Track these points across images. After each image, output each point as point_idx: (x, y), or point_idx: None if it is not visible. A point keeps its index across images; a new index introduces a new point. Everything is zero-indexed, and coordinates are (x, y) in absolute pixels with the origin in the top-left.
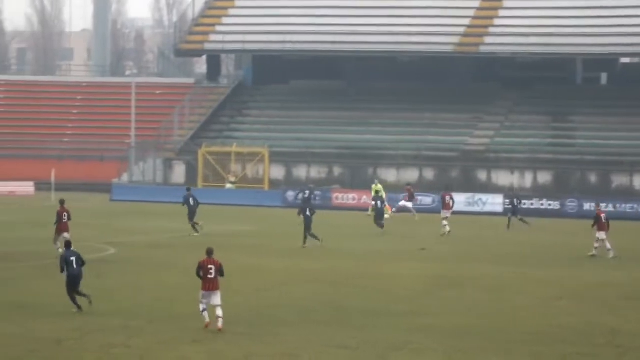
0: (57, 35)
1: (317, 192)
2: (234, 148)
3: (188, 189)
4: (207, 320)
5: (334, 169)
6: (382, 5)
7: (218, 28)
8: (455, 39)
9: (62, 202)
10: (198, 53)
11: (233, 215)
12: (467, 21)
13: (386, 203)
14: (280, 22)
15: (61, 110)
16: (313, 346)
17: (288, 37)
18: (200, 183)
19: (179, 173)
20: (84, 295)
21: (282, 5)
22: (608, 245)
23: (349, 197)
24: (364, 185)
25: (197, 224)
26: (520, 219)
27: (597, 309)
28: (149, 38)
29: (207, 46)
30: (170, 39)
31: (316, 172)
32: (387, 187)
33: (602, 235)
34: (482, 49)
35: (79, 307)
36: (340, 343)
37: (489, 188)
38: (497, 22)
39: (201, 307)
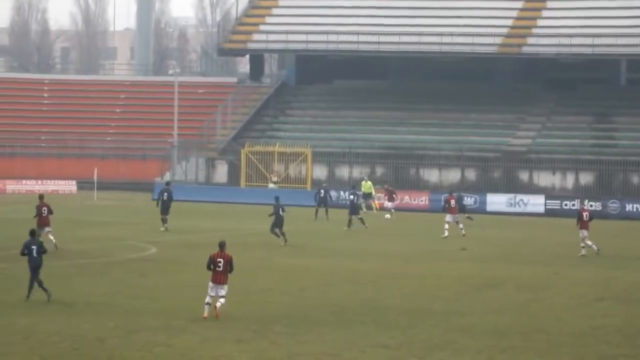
0: (101, 34)
1: (332, 192)
2: (277, 148)
3: (167, 183)
4: (205, 315)
5: (377, 169)
6: (425, 5)
7: (261, 27)
8: (499, 40)
9: (41, 197)
10: (241, 52)
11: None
12: (510, 22)
13: (375, 201)
14: (324, 22)
15: (104, 109)
16: (354, 346)
17: (331, 37)
18: (243, 183)
19: (221, 172)
20: (45, 290)
21: (326, 5)
22: (589, 243)
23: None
24: (406, 185)
25: (165, 219)
26: (467, 217)
27: (639, 310)
28: (192, 37)
29: (250, 45)
30: (214, 38)
31: (358, 172)
32: (430, 187)
33: (584, 233)
34: (525, 49)
35: (48, 295)
36: (380, 343)
37: (531, 189)
38: (540, 22)
39: (207, 299)
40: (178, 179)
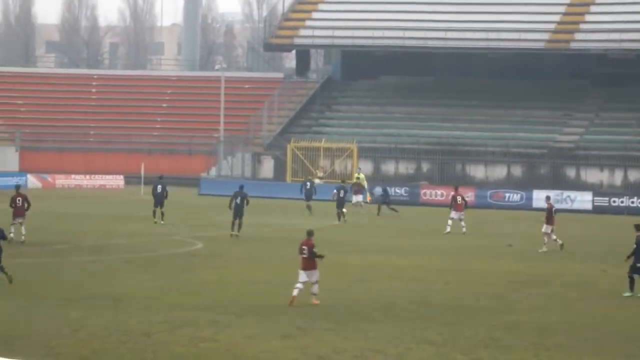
0: (149, 30)
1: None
2: (323, 143)
3: (160, 177)
4: (294, 295)
5: (422, 165)
6: (472, 1)
7: (308, 23)
8: (546, 35)
9: (17, 187)
10: (287, 48)
11: (320, 210)
12: (558, 17)
13: (368, 194)
14: (370, 18)
15: (151, 104)
16: (399, 342)
17: (377, 33)
18: (288, 178)
19: (267, 168)
20: (6, 273)
21: (372, 1)
22: (554, 237)
23: (437, 194)
24: (452, 181)
25: (157, 211)
26: (391, 208)
27: None
28: (239, 32)
29: (297, 41)
30: (260, 34)
31: (404, 167)
32: (476, 183)
33: (548, 228)
34: (573, 45)
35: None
36: (426, 339)
37: (578, 185)
38: (588, 18)
39: (297, 284)
40: (224, 174)
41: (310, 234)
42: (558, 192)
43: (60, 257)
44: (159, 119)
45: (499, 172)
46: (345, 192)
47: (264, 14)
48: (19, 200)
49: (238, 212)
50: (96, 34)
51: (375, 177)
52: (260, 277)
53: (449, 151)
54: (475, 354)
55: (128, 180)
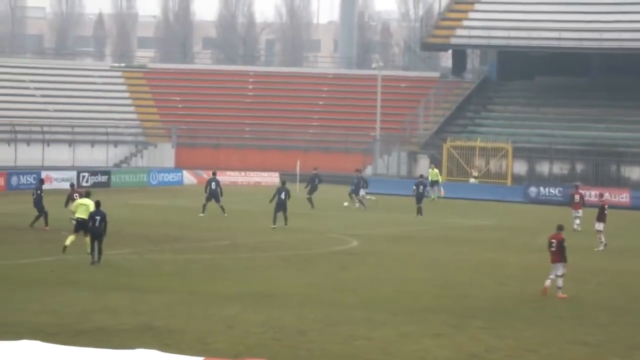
0: (305, 27)
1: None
2: (478, 143)
3: (214, 173)
4: (545, 285)
5: (577, 166)
6: (628, 1)
7: (464, 23)
8: None
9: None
10: (444, 47)
11: (475, 209)
12: None
13: (442, 188)
14: (526, 18)
15: (307, 101)
16: (553, 342)
17: (533, 33)
18: (444, 177)
19: (423, 166)
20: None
21: (528, 1)
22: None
23: (592, 194)
24: (607, 182)
25: (221, 207)
26: (369, 198)
27: None
28: (395, 31)
29: (453, 40)
30: (416, 33)
31: (558, 168)
32: (631, 184)
33: (600, 226)
34: None
35: None
36: (580, 339)
37: None
38: None
39: (550, 276)
40: (380, 173)
41: (560, 228)
42: None
43: (219, 254)
44: (315, 117)
45: None
46: (425, 187)
47: (420, 12)
48: None
49: (281, 207)
50: (253, 31)
51: (530, 177)
52: (415, 276)
53: (604, 152)
54: (631, 356)
55: (283, 178)
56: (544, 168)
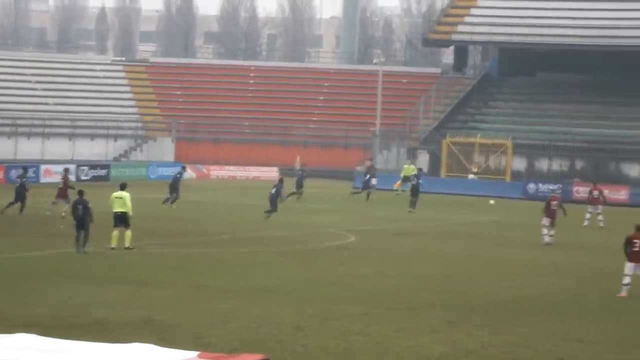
0: (307, 22)
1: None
2: (478, 139)
3: (183, 167)
4: (623, 294)
5: (576, 163)
6: None
7: (466, 19)
8: None
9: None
10: (446, 43)
11: (474, 205)
12: None
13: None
14: (527, 15)
15: (308, 96)
16: (549, 339)
17: (535, 30)
18: (443, 173)
19: (422, 162)
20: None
21: None
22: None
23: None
24: (606, 179)
25: (168, 199)
26: (353, 193)
27: None
28: (397, 27)
29: (455, 37)
30: (418, 28)
31: (558, 165)
32: (630, 182)
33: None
34: None
35: None
36: (577, 337)
37: None
38: None
39: (626, 280)
40: (379, 168)
41: (638, 227)
42: None
43: (220, 248)
44: (315, 112)
45: None
46: (418, 179)
47: (423, 9)
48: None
49: (270, 201)
50: (255, 25)
51: (529, 173)
52: (415, 272)
53: (603, 149)
54: (628, 354)
55: (283, 172)
56: (543, 165)
